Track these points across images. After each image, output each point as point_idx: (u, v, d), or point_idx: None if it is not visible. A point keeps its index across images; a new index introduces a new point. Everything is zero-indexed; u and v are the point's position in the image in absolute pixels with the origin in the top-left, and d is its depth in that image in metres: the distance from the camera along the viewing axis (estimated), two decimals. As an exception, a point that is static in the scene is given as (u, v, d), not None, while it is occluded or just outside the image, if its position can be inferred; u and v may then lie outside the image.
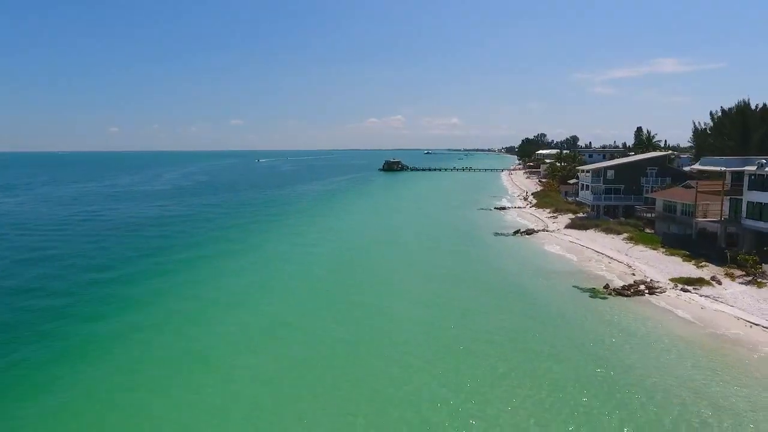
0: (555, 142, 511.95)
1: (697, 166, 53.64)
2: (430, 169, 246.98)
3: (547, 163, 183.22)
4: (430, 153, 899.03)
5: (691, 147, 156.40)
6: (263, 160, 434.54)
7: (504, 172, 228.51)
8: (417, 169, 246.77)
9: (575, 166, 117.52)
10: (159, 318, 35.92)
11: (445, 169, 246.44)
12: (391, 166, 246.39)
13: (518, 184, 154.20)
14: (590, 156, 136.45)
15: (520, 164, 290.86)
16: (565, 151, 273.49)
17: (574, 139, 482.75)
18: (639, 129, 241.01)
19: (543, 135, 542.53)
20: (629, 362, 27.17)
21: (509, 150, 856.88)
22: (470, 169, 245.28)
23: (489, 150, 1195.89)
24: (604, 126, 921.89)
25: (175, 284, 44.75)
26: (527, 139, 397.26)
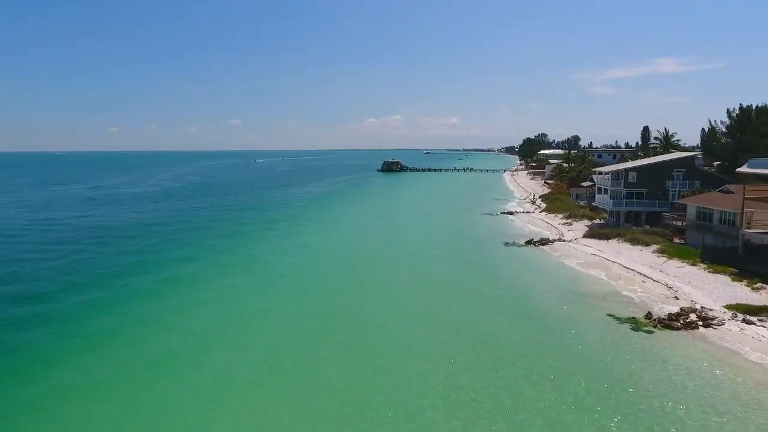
0: (556, 142, 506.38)
1: (744, 169, 46.70)
2: (430, 170, 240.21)
3: (552, 163, 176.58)
4: (430, 153, 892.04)
5: (694, 147, 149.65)
6: (260, 161, 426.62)
7: (506, 173, 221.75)
8: (417, 170, 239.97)
9: (585, 167, 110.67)
10: (112, 370, 28.33)
11: (446, 170, 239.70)
12: (390, 167, 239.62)
13: (523, 185, 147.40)
14: (599, 156, 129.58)
15: (522, 164, 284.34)
16: (573, 151, 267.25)
17: (576, 138, 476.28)
18: (646, 128, 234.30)
19: (544, 135, 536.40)
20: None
21: (509, 150, 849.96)
22: (471, 169, 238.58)
23: (489, 150, 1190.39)
24: (604, 126, 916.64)
25: (139, 316, 36.88)
26: (528, 139, 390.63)
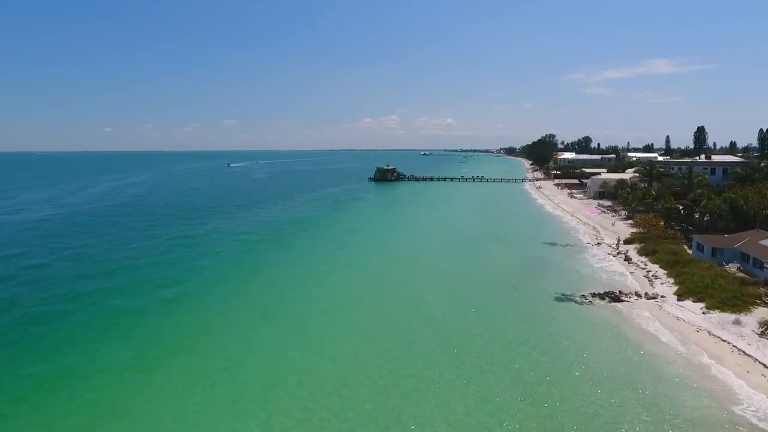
0: (566, 143, 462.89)
1: None
2: (432, 179, 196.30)
3: (597, 174, 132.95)
4: (427, 154, 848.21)
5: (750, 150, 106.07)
6: (236, 165, 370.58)
7: (527, 184, 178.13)
8: (416, 179, 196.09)
9: (707, 197, 66.25)
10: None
11: (451, 179, 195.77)
12: (385, 175, 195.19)
13: (570, 210, 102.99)
14: (705, 169, 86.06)
15: (538, 172, 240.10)
16: (608, 156, 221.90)
17: (587, 140, 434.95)
18: (700, 130, 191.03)
19: (552, 135, 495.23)
20: None
21: (510, 152, 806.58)
22: (482, 178, 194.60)
23: (487, 151, 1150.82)
24: (599, 126, 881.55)
25: None
26: (541, 140, 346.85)
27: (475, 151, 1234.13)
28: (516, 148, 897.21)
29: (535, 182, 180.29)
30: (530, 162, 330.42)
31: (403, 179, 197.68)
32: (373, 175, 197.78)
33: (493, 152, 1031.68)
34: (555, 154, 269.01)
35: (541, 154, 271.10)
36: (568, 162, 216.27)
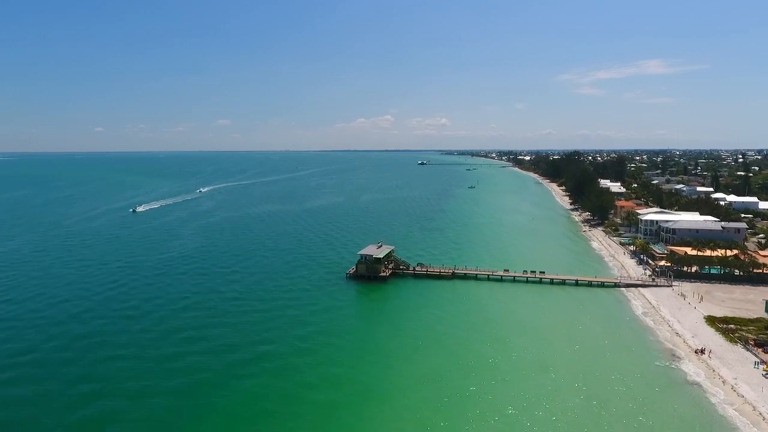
0: (595, 160, 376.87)
1: None
2: (453, 275, 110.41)
3: None
4: (425, 164, 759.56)
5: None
6: (145, 208, 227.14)
7: (639, 305, 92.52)
8: (426, 273, 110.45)
9: None
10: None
11: (488, 277, 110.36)
12: (374, 269, 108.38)
13: None
14: None
15: (598, 230, 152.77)
16: (752, 200, 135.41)
17: (621, 163, 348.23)
18: None
19: (578, 153, 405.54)
20: None
21: (517, 161, 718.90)
22: (542, 277, 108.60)
23: (486, 155, 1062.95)
24: (592, 126, 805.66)
25: None
26: (573, 157, 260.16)
27: (472, 154, 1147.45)
28: (519, 154, 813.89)
29: (652, 304, 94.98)
30: (570, 202, 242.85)
31: (404, 271, 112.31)
32: (354, 267, 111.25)
33: (493, 158, 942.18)
34: (621, 205, 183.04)
35: (598, 202, 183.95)
36: (668, 232, 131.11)
